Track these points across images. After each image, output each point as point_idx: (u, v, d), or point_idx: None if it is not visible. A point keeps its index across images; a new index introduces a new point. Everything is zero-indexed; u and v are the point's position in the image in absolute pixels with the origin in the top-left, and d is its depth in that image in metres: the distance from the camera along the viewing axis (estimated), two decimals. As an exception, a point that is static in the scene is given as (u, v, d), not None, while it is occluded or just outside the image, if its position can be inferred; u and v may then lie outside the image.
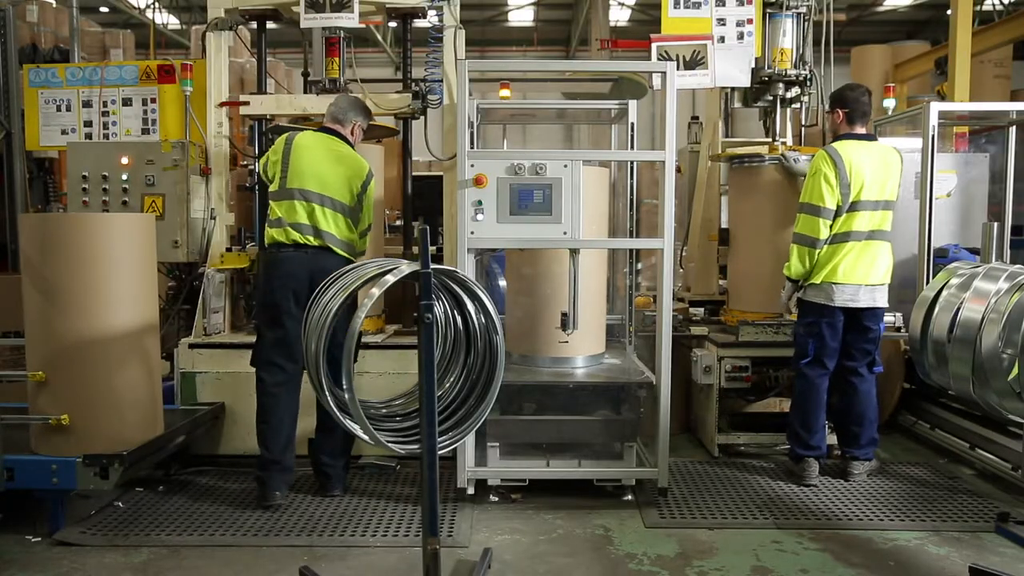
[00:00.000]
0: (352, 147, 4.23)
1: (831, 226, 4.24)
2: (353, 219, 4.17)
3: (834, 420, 4.51)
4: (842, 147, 4.27)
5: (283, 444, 4.01)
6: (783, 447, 4.81)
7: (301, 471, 4.21)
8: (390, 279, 2.94)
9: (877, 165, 4.27)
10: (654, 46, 4.87)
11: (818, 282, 4.25)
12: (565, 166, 3.91)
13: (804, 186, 4.33)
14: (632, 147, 4.89)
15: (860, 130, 4.36)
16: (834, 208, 4.21)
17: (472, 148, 4.39)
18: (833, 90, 4.57)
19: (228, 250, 4.87)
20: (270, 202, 4.15)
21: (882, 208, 4.28)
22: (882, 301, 4.31)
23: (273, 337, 4.01)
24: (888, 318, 4.94)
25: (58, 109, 5.36)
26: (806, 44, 4.97)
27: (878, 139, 4.49)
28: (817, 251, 4.24)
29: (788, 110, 5.08)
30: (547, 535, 3.69)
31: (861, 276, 4.23)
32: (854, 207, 4.23)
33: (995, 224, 4.30)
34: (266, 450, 4.00)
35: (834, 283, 4.21)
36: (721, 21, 4.88)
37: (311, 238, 4.02)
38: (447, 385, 3.31)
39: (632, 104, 4.92)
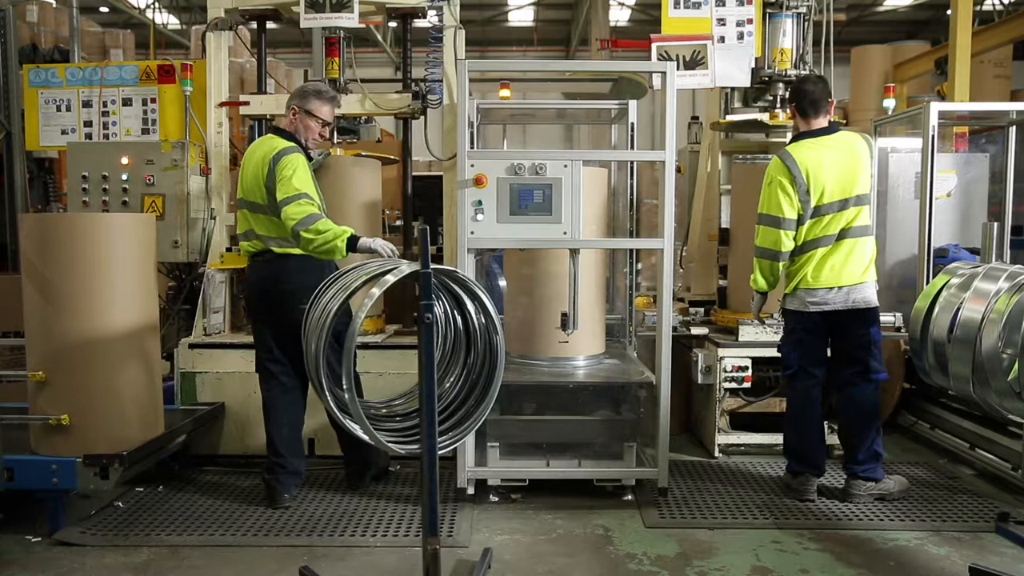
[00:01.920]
0: (294, 138, 4.00)
1: (796, 235, 4.00)
2: (276, 212, 3.88)
3: (838, 431, 4.35)
4: (796, 150, 4.00)
5: (286, 447, 4.01)
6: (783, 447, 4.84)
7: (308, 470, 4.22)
8: (390, 279, 2.94)
9: (838, 162, 3.96)
10: (654, 46, 4.87)
11: (790, 291, 4.09)
12: (565, 166, 3.91)
13: (761, 195, 4.07)
14: (632, 147, 4.89)
15: (818, 123, 4.05)
16: (795, 218, 3.97)
17: (472, 148, 4.39)
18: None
19: (228, 250, 4.87)
20: None
21: (852, 205, 3.97)
22: (865, 302, 3.98)
23: (259, 344, 4.08)
24: (888, 318, 4.94)
25: (58, 109, 5.36)
26: (806, 44, 4.98)
27: (841, 129, 4.13)
28: (781, 263, 4.04)
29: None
30: (547, 535, 3.69)
31: (831, 278, 3.97)
32: (818, 212, 3.96)
33: (995, 224, 4.30)
34: (272, 453, 4.02)
35: (806, 289, 4.02)
36: (721, 21, 4.89)
37: (253, 244, 4.01)
38: (447, 385, 3.31)
39: (632, 104, 4.92)
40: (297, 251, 3.92)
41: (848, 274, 3.97)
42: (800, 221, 4.00)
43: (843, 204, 3.97)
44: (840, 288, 3.98)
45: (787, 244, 4.00)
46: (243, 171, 4.02)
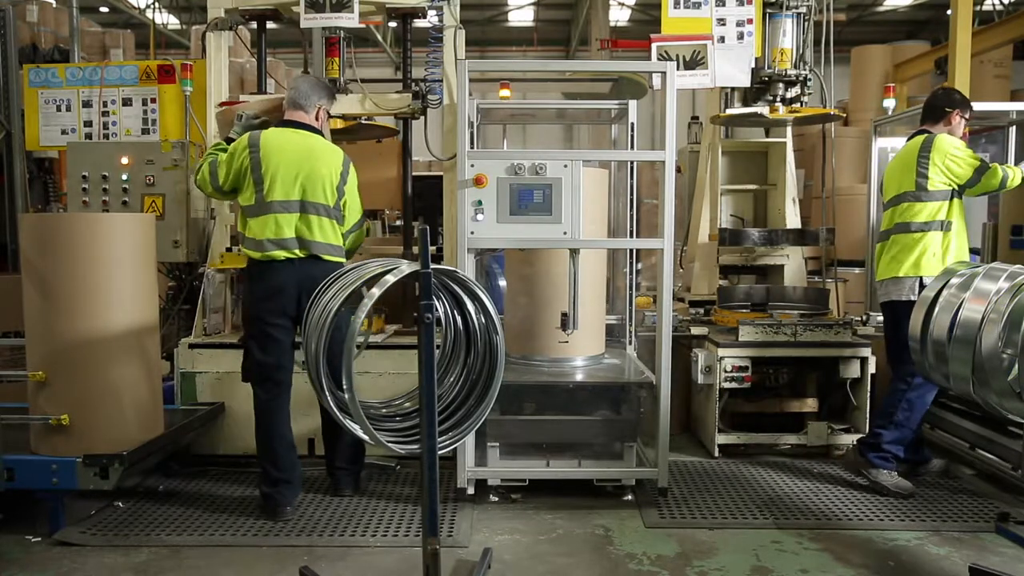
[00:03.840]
0: (321, 134, 3.99)
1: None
2: (337, 218, 3.92)
3: None
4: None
5: (291, 460, 3.92)
6: (783, 447, 4.84)
7: (305, 471, 4.21)
8: (390, 279, 2.94)
9: (893, 164, 4.37)
10: (654, 46, 4.87)
11: None
12: (565, 166, 3.91)
13: None
14: (632, 147, 4.89)
15: (926, 127, 4.34)
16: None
17: (472, 148, 4.39)
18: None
19: (228, 250, 4.85)
20: (246, 217, 3.86)
21: (892, 205, 4.33)
22: (893, 295, 4.26)
23: (263, 353, 3.87)
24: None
25: (58, 109, 5.36)
26: (806, 44, 4.98)
27: (923, 133, 4.32)
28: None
29: (788, 110, 5.07)
30: (547, 535, 3.69)
31: (878, 270, 4.40)
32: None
33: (995, 224, 4.29)
34: (274, 468, 3.87)
35: None
36: (721, 21, 4.89)
37: (297, 251, 3.80)
38: (447, 385, 3.31)
39: (632, 104, 4.92)
40: (340, 259, 3.94)
41: (887, 267, 4.32)
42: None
43: (887, 204, 4.38)
44: (879, 281, 4.38)
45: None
46: (298, 168, 3.79)
